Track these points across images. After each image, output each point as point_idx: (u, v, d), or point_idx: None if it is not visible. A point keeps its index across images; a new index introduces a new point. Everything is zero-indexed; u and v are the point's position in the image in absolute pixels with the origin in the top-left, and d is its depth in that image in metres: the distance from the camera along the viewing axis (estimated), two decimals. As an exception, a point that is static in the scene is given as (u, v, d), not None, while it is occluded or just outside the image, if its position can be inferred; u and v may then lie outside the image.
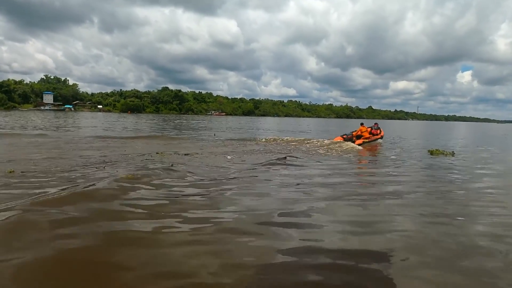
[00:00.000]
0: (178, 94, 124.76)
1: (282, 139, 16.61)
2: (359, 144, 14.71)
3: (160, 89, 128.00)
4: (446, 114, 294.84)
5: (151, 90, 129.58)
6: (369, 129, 16.75)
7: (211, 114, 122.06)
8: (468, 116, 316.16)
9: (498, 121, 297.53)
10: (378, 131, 16.88)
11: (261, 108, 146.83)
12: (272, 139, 16.64)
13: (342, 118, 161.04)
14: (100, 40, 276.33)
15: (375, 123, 17.54)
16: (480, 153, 13.53)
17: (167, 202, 4.45)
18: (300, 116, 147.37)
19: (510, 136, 31.23)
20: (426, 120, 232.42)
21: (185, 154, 9.58)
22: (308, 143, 14.92)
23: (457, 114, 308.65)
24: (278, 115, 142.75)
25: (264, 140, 16.40)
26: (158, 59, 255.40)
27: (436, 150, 12.68)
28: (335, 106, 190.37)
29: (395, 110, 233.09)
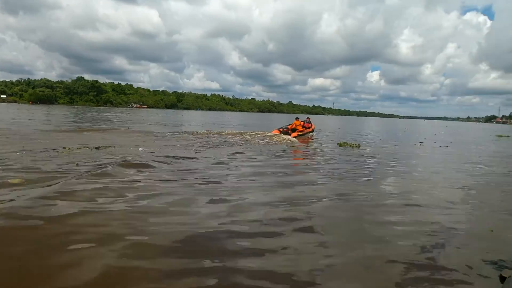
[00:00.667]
0: (95, 85, 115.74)
1: (222, 132, 17.20)
2: (294, 137, 16.49)
3: (75, 79, 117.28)
4: (358, 110, 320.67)
5: (64, 80, 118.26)
6: (302, 122, 18.48)
7: (131, 107, 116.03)
8: (376, 112, 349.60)
9: (401, 117, 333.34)
10: (310, 125, 18.79)
11: (184, 101, 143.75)
12: (208, 132, 16.91)
13: (264, 112, 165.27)
14: (2, 22, 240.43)
15: (307, 117, 19.65)
16: (382, 145, 15.21)
17: (68, 214, 3.71)
18: (223, 110, 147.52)
19: (409, 131, 35.41)
20: (341, 115, 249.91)
21: (95, 148, 8.98)
22: (248, 136, 16.03)
23: (368, 110, 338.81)
24: (202, 109, 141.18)
25: (198, 133, 16.55)
26: (72, 46, 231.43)
27: (344, 142, 14.03)
28: (258, 100, 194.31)
29: (313, 106, 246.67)
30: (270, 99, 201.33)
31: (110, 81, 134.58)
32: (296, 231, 3.73)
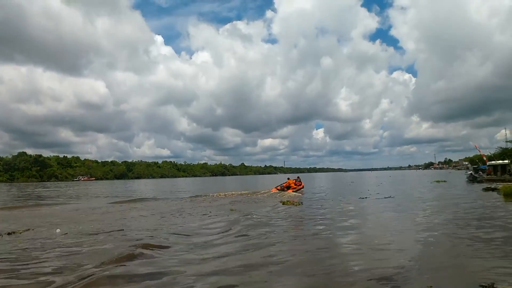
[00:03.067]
0: (38, 160, 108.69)
1: (230, 193, 20.67)
2: (293, 192, 20.84)
3: (16, 154, 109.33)
4: (308, 167, 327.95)
5: (4, 156, 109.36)
6: (294, 181, 22.80)
7: (78, 180, 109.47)
8: (325, 167, 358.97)
9: (347, 170, 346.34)
10: (300, 183, 22.88)
11: (134, 170, 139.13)
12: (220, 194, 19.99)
13: (217, 175, 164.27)
14: None
15: (298, 176, 24.53)
16: (326, 202, 15.16)
17: None
18: (176, 176, 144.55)
19: (355, 183, 36.57)
20: (292, 173, 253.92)
21: (8, 234, 7.86)
22: (259, 194, 19.66)
23: (317, 166, 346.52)
24: (153, 177, 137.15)
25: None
26: (13, 120, 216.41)
27: (287, 201, 14.54)
28: (210, 164, 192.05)
29: (265, 166, 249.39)
30: (222, 162, 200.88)
31: (55, 154, 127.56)
32: None
